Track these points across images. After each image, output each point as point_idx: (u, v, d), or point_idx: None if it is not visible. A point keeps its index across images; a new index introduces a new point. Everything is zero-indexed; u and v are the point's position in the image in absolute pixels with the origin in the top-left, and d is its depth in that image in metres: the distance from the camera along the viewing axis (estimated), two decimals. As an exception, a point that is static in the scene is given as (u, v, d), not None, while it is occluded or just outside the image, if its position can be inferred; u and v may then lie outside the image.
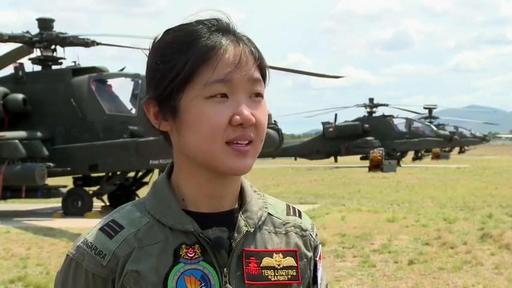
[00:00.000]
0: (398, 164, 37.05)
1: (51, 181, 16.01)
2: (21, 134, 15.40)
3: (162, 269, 1.16)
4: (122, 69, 16.47)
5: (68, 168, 15.53)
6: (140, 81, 15.36)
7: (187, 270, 1.17)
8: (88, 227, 1.29)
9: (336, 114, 40.80)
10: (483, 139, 61.08)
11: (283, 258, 1.24)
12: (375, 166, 33.10)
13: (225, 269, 1.19)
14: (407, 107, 47.57)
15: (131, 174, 17.10)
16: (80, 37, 16.41)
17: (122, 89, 16.23)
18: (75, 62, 16.98)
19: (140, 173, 17.18)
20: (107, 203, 16.75)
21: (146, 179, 17.08)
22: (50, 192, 16.09)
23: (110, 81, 16.33)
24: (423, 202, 16.84)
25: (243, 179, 1.28)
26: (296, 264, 1.25)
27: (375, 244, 10.30)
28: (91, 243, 1.19)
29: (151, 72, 1.21)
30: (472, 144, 61.17)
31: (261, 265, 1.22)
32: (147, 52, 1.23)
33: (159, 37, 1.22)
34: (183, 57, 1.16)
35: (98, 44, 16.46)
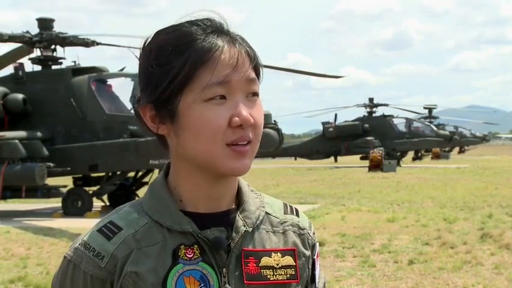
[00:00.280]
0: (398, 164, 37.05)
1: (51, 181, 16.01)
2: (21, 134, 15.40)
3: (161, 270, 1.16)
4: (122, 69, 16.46)
5: (68, 168, 15.53)
6: (140, 81, 15.35)
7: (186, 270, 1.17)
8: (87, 227, 1.29)
9: (336, 114, 40.81)
10: (483, 139, 61.08)
11: (282, 257, 1.24)
12: (375, 166, 33.10)
13: (224, 269, 1.18)
14: (407, 107, 47.63)
15: (131, 174, 17.11)
16: (80, 37, 16.41)
17: (122, 89, 16.23)
18: (75, 62, 16.98)
19: (140, 173, 17.19)
20: (107, 203, 16.76)
21: (146, 179, 17.08)
22: (50, 192, 16.09)
23: (110, 81, 16.34)
24: (423, 202, 16.84)
25: (240, 178, 1.27)
26: (295, 263, 1.25)
27: (375, 244, 10.30)
28: (88, 245, 1.18)
29: (146, 76, 1.19)
30: (472, 144, 61.15)
31: (260, 265, 1.22)
32: (139, 53, 1.22)
33: (150, 39, 1.20)
34: (180, 60, 1.14)
35: (98, 44, 16.46)
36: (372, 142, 37.52)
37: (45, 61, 16.76)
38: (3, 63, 15.89)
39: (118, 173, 16.33)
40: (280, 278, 1.22)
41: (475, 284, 7.62)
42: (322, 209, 15.50)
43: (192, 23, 1.18)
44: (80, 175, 16.57)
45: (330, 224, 12.63)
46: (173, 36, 1.17)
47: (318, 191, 21.11)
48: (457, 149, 62.62)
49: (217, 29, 1.18)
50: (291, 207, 1.34)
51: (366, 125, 39.49)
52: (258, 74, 1.20)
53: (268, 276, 1.21)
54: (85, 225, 12.12)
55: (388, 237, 10.81)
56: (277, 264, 1.23)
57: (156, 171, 16.02)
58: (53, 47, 16.66)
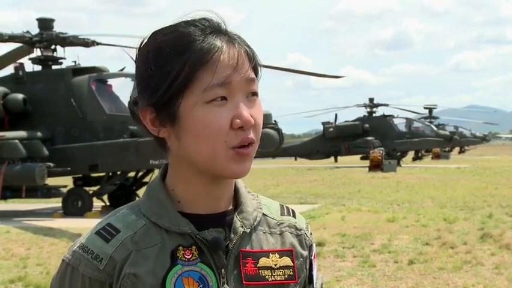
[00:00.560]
0: (398, 164, 37.04)
1: (51, 181, 16.01)
2: (22, 134, 15.41)
3: (160, 271, 1.16)
4: (122, 69, 16.47)
5: (68, 168, 15.53)
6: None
7: (185, 271, 1.16)
8: (88, 227, 1.29)
9: (336, 114, 40.81)
10: (483, 139, 61.05)
11: (280, 258, 1.24)
12: (376, 166, 33.09)
13: (223, 270, 1.18)
14: (407, 107, 47.61)
15: (132, 174, 17.11)
16: (80, 37, 16.42)
17: (123, 89, 16.23)
18: (75, 62, 16.99)
19: (140, 173, 17.19)
20: (107, 203, 16.76)
21: (146, 179, 17.08)
22: (50, 192, 16.10)
23: (110, 81, 16.34)
24: (423, 202, 16.84)
25: (237, 179, 1.27)
26: (293, 264, 1.25)
27: (375, 244, 10.30)
28: (87, 247, 1.18)
29: (144, 78, 1.18)
30: (472, 144, 61.13)
31: (258, 265, 1.22)
32: (137, 54, 1.21)
33: (146, 40, 1.19)
34: (179, 61, 1.13)
35: (98, 44, 16.47)
36: (372, 142, 37.51)
37: (45, 61, 16.77)
38: (3, 63, 15.90)
39: (118, 173, 16.34)
40: (278, 279, 1.22)
41: (475, 284, 7.62)
42: (322, 209, 15.49)
43: (189, 23, 1.17)
44: (80, 175, 16.57)
45: (330, 224, 12.63)
46: (171, 38, 1.16)
47: (318, 191, 21.10)
48: (457, 149, 62.62)
49: (215, 29, 1.17)
50: (287, 208, 1.34)
51: (367, 125, 39.48)
52: (256, 74, 1.20)
53: (267, 277, 1.21)
54: (85, 225, 12.12)
55: (388, 237, 10.81)
56: (275, 265, 1.23)
57: (156, 171, 16.01)
58: (53, 47, 16.67)
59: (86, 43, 16.40)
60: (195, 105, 1.14)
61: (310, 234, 1.34)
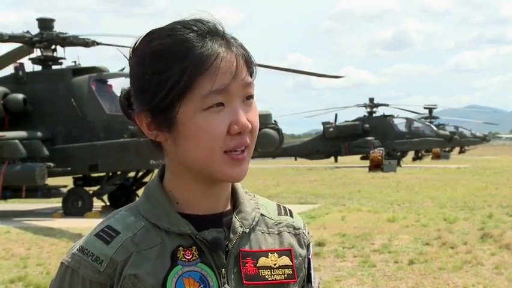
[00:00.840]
0: (398, 164, 37.04)
1: (51, 181, 16.02)
2: (22, 134, 15.41)
3: (160, 272, 1.16)
4: (122, 69, 16.46)
5: (69, 168, 15.53)
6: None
7: (186, 272, 1.17)
8: (88, 227, 1.29)
9: (336, 114, 40.81)
10: (483, 139, 61.00)
11: (279, 257, 1.25)
12: (376, 166, 33.09)
13: (223, 270, 1.19)
14: (407, 107, 47.61)
15: (132, 174, 17.11)
16: (80, 37, 16.42)
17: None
18: (75, 62, 17.00)
19: (140, 173, 17.19)
20: (108, 203, 16.76)
21: (146, 179, 17.08)
22: (50, 192, 16.10)
23: (110, 81, 16.35)
24: (423, 202, 16.84)
25: None
26: (292, 263, 1.26)
27: (376, 244, 10.30)
28: (86, 249, 1.17)
29: (141, 83, 1.17)
30: (472, 144, 61.10)
31: (258, 265, 1.22)
32: (131, 55, 1.20)
33: (141, 43, 1.18)
34: (178, 68, 1.12)
35: (98, 44, 16.47)
36: (372, 142, 37.51)
37: (45, 61, 16.77)
38: (3, 63, 15.90)
39: (118, 173, 16.34)
40: (278, 278, 1.23)
41: (475, 284, 7.62)
42: (322, 209, 15.50)
43: (186, 26, 1.15)
44: (80, 175, 16.57)
45: (330, 224, 12.63)
46: (168, 42, 1.14)
47: (319, 191, 21.10)
48: (457, 149, 62.61)
49: (212, 32, 1.16)
50: (284, 208, 1.34)
51: (367, 125, 39.49)
52: (252, 75, 1.20)
53: (267, 277, 1.22)
54: (85, 225, 12.14)
55: (388, 237, 10.81)
56: (275, 265, 1.23)
57: (156, 171, 15.99)
58: (53, 47, 16.68)
59: (86, 43, 16.40)
60: (193, 113, 1.13)
61: (308, 233, 1.35)
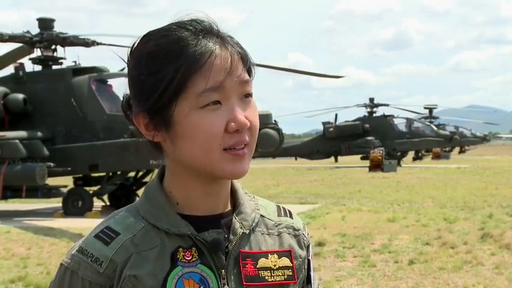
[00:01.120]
0: (399, 163, 37.04)
1: (51, 181, 16.02)
2: (22, 134, 15.41)
3: (160, 273, 1.15)
4: (122, 69, 16.45)
5: (69, 168, 15.53)
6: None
7: (186, 273, 1.16)
8: (88, 226, 1.29)
9: (336, 114, 40.81)
10: (483, 139, 61.02)
11: (279, 258, 1.24)
12: (376, 166, 33.09)
13: (223, 271, 1.18)
14: (408, 107, 47.62)
15: (132, 174, 17.12)
16: (80, 37, 16.42)
17: (123, 89, 16.16)
18: (75, 61, 17.00)
19: (140, 173, 17.19)
20: (108, 203, 16.76)
21: (146, 179, 17.08)
22: (50, 192, 16.10)
23: (110, 81, 16.35)
24: (423, 202, 16.84)
25: (234, 180, 1.27)
26: (291, 264, 1.25)
27: (376, 244, 10.30)
28: (86, 250, 1.17)
29: (137, 84, 1.17)
30: (472, 144, 61.12)
31: (258, 266, 1.21)
32: (128, 57, 1.20)
33: (138, 44, 1.18)
34: (172, 68, 1.12)
35: (98, 44, 16.47)
36: (372, 142, 37.51)
37: (45, 61, 16.77)
38: (3, 63, 15.90)
39: (119, 173, 16.34)
40: (278, 279, 1.22)
41: (476, 284, 7.62)
42: (322, 209, 15.50)
43: (181, 26, 1.16)
44: (80, 175, 16.57)
45: (330, 224, 12.63)
46: (163, 42, 1.15)
47: (319, 191, 21.10)
48: (457, 149, 62.59)
49: (207, 31, 1.16)
50: (284, 209, 1.34)
51: (367, 125, 39.48)
52: (250, 74, 1.19)
53: (266, 278, 1.21)
54: (85, 225, 12.14)
55: (388, 237, 10.81)
56: (275, 266, 1.23)
57: (156, 171, 16.00)
58: (53, 47, 16.68)
59: (87, 43, 16.40)
60: (189, 111, 1.13)
61: (308, 234, 1.34)
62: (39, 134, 15.62)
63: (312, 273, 1.32)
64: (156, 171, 1.30)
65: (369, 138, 38.18)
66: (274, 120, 16.44)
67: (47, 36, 16.27)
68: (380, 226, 12.28)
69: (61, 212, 15.70)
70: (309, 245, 1.33)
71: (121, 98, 1.27)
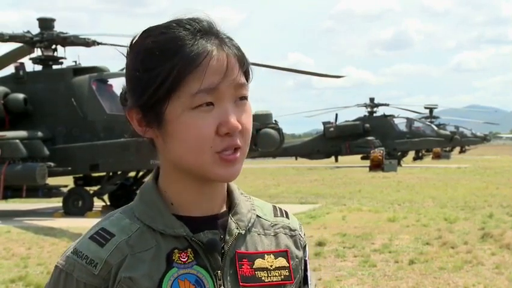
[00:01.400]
0: (399, 163, 37.04)
1: (52, 181, 16.02)
2: (22, 133, 15.42)
3: (155, 275, 1.15)
4: (122, 69, 16.39)
5: (69, 168, 15.54)
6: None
7: (181, 274, 1.15)
8: (88, 226, 1.29)
9: (336, 114, 40.81)
10: (484, 139, 60.98)
11: (275, 259, 1.24)
12: (376, 166, 33.09)
13: (219, 272, 1.18)
14: (408, 107, 47.63)
15: (132, 174, 17.12)
16: (80, 37, 16.43)
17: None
18: (76, 61, 17.00)
19: (141, 173, 17.20)
20: (108, 203, 16.76)
21: (146, 179, 17.06)
22: (50, 191, 16.11)
23: (110, 81, 16.35)
24: (424, 202, 16.84)
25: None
26: (288, 264, 1.24)
27: (376, 244, 10.30)
28: (81, 252, 1.16)
29: (133, 79, 1.17)
30: (472, 144, 61.08)
31: (254, 267, 1.21)
32: (128, 52, 1.20)
33: (137, 40, 1.18)
34: (167, 66, 1.12)
35: (99, 43, 16.47)
36: (373, 142, 37.52)
37: (46, 61, 16.78)
38: (4, 63, 15.91)
39: (119, 172, 16.35)
40: (274, 280, 1.22)
41: (476, 284, 7.62)
42: (323, 208, 15.50)
43: (180, 25, 1.15)
44: (81, 175, 16.58)
45: (330, 223, 12.63)
46: (161, 40, 1.14)
47: (319, 190, 21.10)
48: (457, 148, 62.58)
49: (205, 31, 1.15)
50: (280, 209, 1.33)
51: (367, 125, 39.49)
52: (247, 77, 1.18)
53: (263, 278, 1.21)
54: (85, 225, 12.12)
55: (389, 237, 10.81)
56: (271, 266, 1.22)
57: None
58: (53, 46, 16.68)
59: (87, 43, 16.40)
60: (181, 111, 1.12)
61: (304, 234, 1.34)
62: (39, 133, 15.63)
63: (309, 274, 1.32)
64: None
65: (370, 138, 38.19)
66: (275, 120, 16.43)
67: (47, 36, 16.27)
68: (381, 226, 12.28)
69: (61, 212, 15.71)
70: (305, 245, 1.32)
71: (121, 97, 1.26)
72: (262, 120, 15.47)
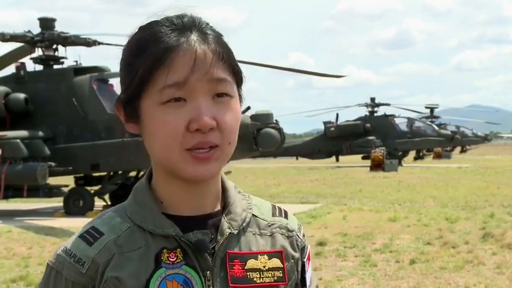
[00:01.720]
0: (400, 163, 37.04)
1: (52, 180, 16.04)
2: (23, 133, 15.43)
3: (143, 275, 1.14)
4: (123, 69, 16.45)
5: (70, 168, 15.55)
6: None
7: (169, 275, 1.14)
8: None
9: (337, 114, 40.83)
10: (485, 138, 60.94)
11: (269, 259, 1.21)
12: (377, 165, 33.09)
13: (208, 273, 1.16)
14: (409, 107, 47.59)
15: (133, 173, 17.12)
16: (81, 36, 16.44)
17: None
18: (76, 61, 17.02)
19: (141, 173, 17.19)
20: (109, 203, 16.77)
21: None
22: (51, 191, 16.13)
23: (111, 81, 16.35)
24: (424, 201, 16.83)
25: (226, 179, 1.25)
26: (282, 265, 1.22)
27: (377, 244, 10.30)
28: (70, 250, 1.17)
29: (120, 73, 1.20)
30: (473, 143, 61.03)
31: (246, 267, 1.19)
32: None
33: (131, 35, 1.19)
34: (138, 61, 1.13)
35: (99, 43, 16.48)
36: (373, 142, 37.52)
37: (46, 61, 16.79)
38: (5, 63, 15.92)
39: (120, 172, 16.35)
40: (267, 281, 1.19)
41: (477, 284, 7.62)
42: (323, 208, 15.50)
43: (160, 21, 1.15)
44: (81, 174, 16.59)
45: (331, 223, 12.63)
46: (140, 36, 1.15)
47: (320, 190, 21.10)
48: (458, 148, 62.53)
49: (184, 27, 1.14)
50: (279, 209, 1.31)
51: (368, 125, 39.49)
52: (235, 75, 1.16)
53: (255, 279, 1.18)
54: (86, 225, 12.13)
55: (390, 237, 10.80)
56: (264, 267, 1.20)
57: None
58: (54, 46, 16.69)
59: (88, 43, 16.41)
60: (151, 106, 1.12)
61: (303, 236, 1.31)
62: (40, 133, 15.63)
63: (307, 276, 1.29)
64: None
65: (371, 137, 38.18)
66: (276, 120, 16.43)
67: (48, 35, 16.28)
68: (381, 226, 12.27)
69: (62, 212, 15.71)
70: (304, 246, 1.30)
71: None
72: (263, 120, 15.48)
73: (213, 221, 1.20)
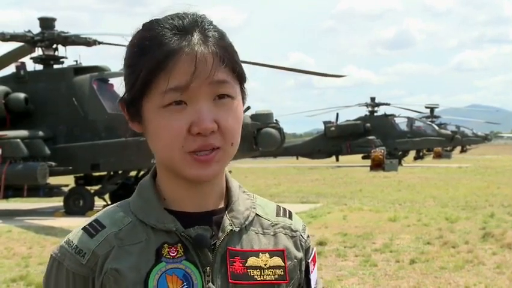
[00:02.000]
0: (400, 163, 37.04)
1: (53, 180, 16.04)
2: (23, 133, 15.43)
3: (143, 268, 1.15)
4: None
5: (70, 168, 15.55)
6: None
7: (169, 269, 1.15)
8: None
9: (337, 114, 40.85)
10: (485, 138, 60.93)
11: (270, 258, 1.22)
12: (377, 165, 33.09)
13: (208, 268, 1.17)
14: (409, 106, 47.62)
15: (133, 173, 17.13)
16: (81, 36, 16.44)
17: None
18: (77, 61, 17.01)
19: (141, 172, 17.19)
20: (109, 202, 16.76)
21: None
22: (51, 191, 16.13)
23: (111, 81, 16.35)
24: (425, 201, 16.83)
25: (231, 178, 1.26)
26: (284, 264, 1.22)
27: (377, 243, 10.30)
28: (72, 242, 1.19)
29: (123, 70, 1.21)
30: (473, 143, 61.01)
31: (247, 264, 1.19)
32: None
33: (133, 34, 1.19)
34: (141, 64, 1.13)
35: (99, 43, 16.48)
36: (373, 141, 37.52)
37: (47, 60, 16.79)
38: (5, 63, 15.92)
39: (120, 172, 16.35)
40: (268, 279, 1.20)
41: (477, 284, 7.62)
42: (324, 208, 15.50)
43: (163, 21, 1.15)
44: (81, 174, 16.59)
45: (331, 223, 12.63)
46: (144, 36, 1.15)
47: (320, 190, 21.10)
48: (458, 148, 62.50)
49: (185, 28, 1.14)
50: (284, 209, 1.31)
51: (368, 125, 39.50)
52: (237, 75, 1.16)
53: (255, 277, 1.19)
54: (86, 225, 12.13)
55: (390, 237, 10.81)
56: (265, 265, 1.21)
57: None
58: (54, 46, 16.69)
59: (88, 42, 16.41)
60: (153, 108, 1.13)
61: (308, 236, 1.31)
62: (40, 133, 15.64)
63: (312, 277, 1.29)
64: None
65: (371, 137, 38.18)
66: (276, 120, 16.43)
67: (48, 35, 16.28)
68: (381, 225, 12.27)
69: (62, 211, 15.72)
70: (308, 247, 1.30)
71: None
72: (263, 120, 15.48)
73: (215, 218, 1.21)
